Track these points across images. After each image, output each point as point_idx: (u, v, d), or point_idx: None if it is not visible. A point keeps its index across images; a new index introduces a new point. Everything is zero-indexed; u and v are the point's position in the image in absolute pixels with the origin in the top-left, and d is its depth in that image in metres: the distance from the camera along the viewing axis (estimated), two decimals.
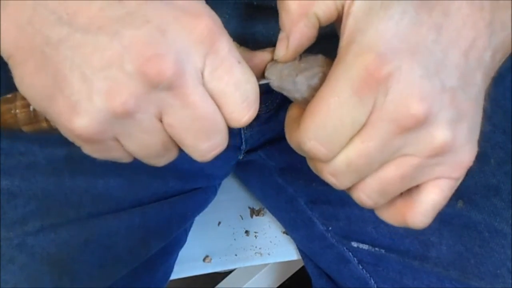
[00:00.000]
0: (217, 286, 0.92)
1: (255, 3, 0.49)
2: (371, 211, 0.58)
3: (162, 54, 0.31)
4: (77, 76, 0.32)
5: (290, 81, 0.36)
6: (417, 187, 0.36)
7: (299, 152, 0.36)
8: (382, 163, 0.34)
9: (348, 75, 0.32)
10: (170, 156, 0.37)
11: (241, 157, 0.69)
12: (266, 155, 0.70)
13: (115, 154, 0.36)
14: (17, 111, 0.37)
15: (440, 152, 0.34)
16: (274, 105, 0.63)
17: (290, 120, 0.37)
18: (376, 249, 0.59)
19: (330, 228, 0.63)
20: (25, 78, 0.34)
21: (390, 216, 0.38)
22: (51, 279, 0.47)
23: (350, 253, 0.61)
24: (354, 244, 0.61)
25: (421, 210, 0.36)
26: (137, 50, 0.31)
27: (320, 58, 0.37)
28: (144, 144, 0.35)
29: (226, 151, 0.37)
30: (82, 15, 0.32)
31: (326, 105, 0.33)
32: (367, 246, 0.60)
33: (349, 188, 0.36)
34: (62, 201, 0.50)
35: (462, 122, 0.34)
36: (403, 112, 0.32)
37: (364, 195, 0.36)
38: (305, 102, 0.35)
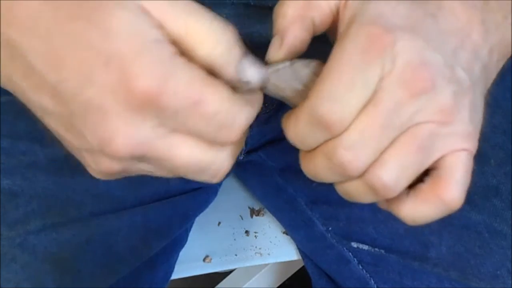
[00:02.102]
0: (217, 286, 0.92)
1: (252, 3, 0.49)
2: (371, 211, 0.59)
3: (112, 137, 0.31)
4: (70, 136, 0.34)
5: (287, 71, 0.36)
6: (436, 169, 0.35)
7: (304, 140, 0.35)
8: (397, 133, 0.34)
9: (354, 43, 0.33)
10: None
11: (241, 158, 0.69)
12: (266, 156, 0.70)
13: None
14: None
15: (449, 117, 0.34)
16: (273, 105, 0.63)
17: (287, 114, 0.36)
18: (376, 249, 0.59)
19: (330, 228, 0.63)
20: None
21: (424, 204, 0.36)
22: (52, 278, 0.48)
23: (350, 253, 0.61)
24: (354, 245, 0.61)
25: (455, 181, 0.35)
26: (93, 136, 0.32)
27: (312, 60, 0.37)
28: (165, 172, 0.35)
29: None
30: None
31: (337, 70, 0.33)
32: (367, 246, 0.60)
33: (366, 172, 0.35)
34: (64, 200, 0.51)
35: (464, 97, 0.34)
36: (411, 76, 0.33)
37: (386, 174, 0.34)
38: (305, 92, 0.35)
